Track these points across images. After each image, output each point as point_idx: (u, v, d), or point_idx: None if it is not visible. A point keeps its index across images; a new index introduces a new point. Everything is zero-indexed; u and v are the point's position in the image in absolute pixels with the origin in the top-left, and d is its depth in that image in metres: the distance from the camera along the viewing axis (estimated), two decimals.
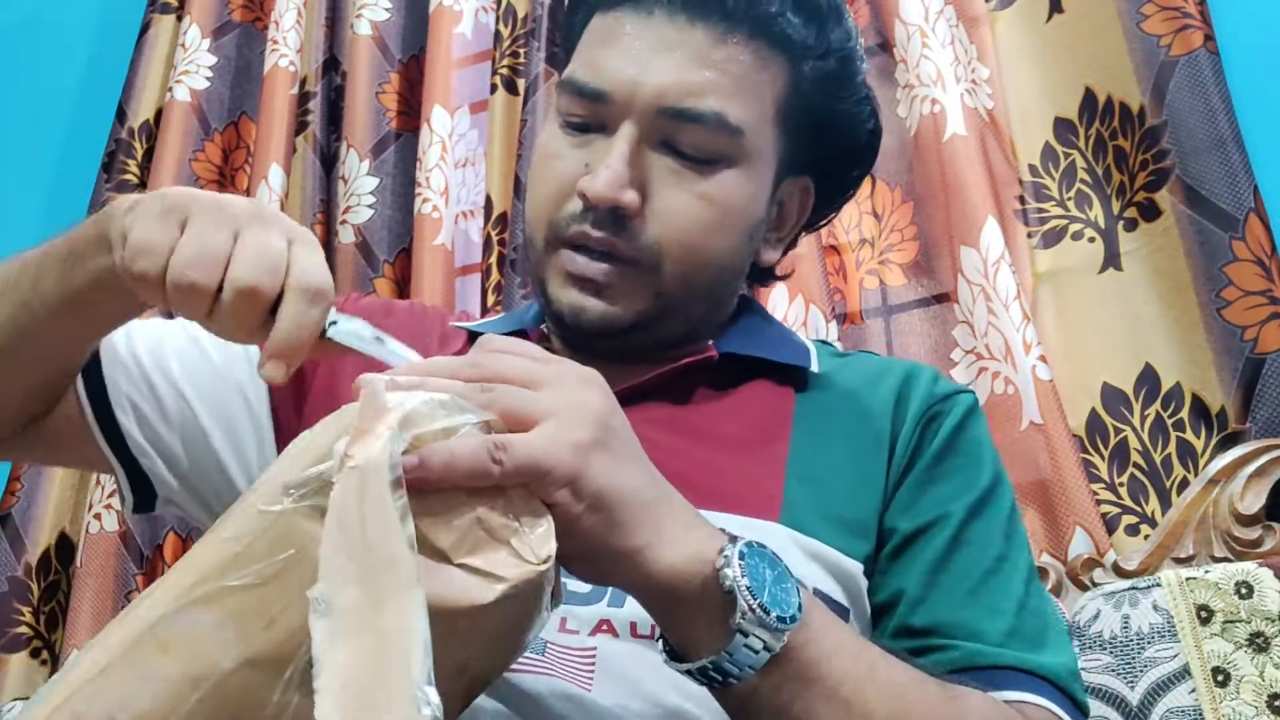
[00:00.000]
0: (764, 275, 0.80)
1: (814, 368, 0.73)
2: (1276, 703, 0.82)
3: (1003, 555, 0.66)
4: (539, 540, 0.43)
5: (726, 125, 0.67)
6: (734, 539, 0.49)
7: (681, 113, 0.67)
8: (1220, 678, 0.84)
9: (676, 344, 0.73)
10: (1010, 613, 0.63)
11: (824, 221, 0.83)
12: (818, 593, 0.61)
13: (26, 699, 1.27)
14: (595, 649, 0.58)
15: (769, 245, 0.77)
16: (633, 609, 0.55)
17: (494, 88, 1.45)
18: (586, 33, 0.72)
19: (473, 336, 0.76)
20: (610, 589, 0.59)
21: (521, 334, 0.75)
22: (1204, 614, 0.87)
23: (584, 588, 0.59)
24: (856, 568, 0.64)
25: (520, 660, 0.52)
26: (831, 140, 0.75)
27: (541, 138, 0.74)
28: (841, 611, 0.63)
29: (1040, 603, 0.66)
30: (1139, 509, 1.05)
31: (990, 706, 0.57)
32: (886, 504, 0.67)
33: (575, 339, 0.72)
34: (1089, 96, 1.17)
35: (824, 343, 0.82)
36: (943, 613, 0.63)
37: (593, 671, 0.57)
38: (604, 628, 0.59)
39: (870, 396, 0.72)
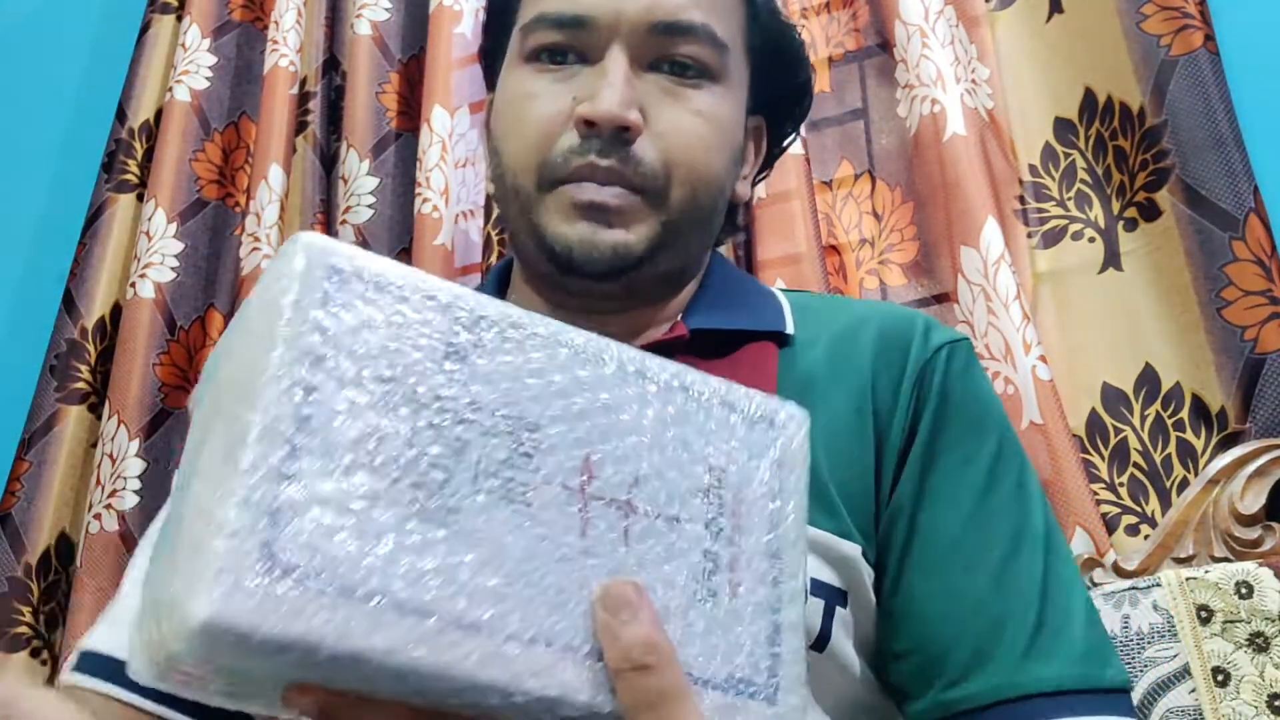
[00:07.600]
0: (732, 219, 0.78)
1: (789, 329, 0.70)
2: (1276, 703, 0.82)
3: (1019, 529, 0.61)
4: None
5: (715, 38, 0.68)
6: None
7: (672, 26, 0.66)
8: (1220, 678, 0.84)
9: (671, 283, 0.71)
10: (1034, 600, 0.59)
11: (766, 173, 0.83)
12: (816, 582, 0.58)
13: None
14: None
15: (742, 180, 0.76)
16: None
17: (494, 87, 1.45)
18: None
19: None
20: None
21: None
22: (1204, 614, 0.87)
23: None
24: (853, 549, 0.60)
25: None
26: (780, 79, 0.77)
27: (509, 84, 0.70)
28: (840, 597, 0.60)
29: (1061, 572, 0.61)
30: (1139, 509, 1.05)
31: None
32: (886, 482, 0.63)
33: (573, 284, 0.68)
34: (1089, 96, 1.17)
35: (796, 291, 0.78)
36: (959, 623, 0.59)
37: None
38: None
39: (848, 356, 0.68)
